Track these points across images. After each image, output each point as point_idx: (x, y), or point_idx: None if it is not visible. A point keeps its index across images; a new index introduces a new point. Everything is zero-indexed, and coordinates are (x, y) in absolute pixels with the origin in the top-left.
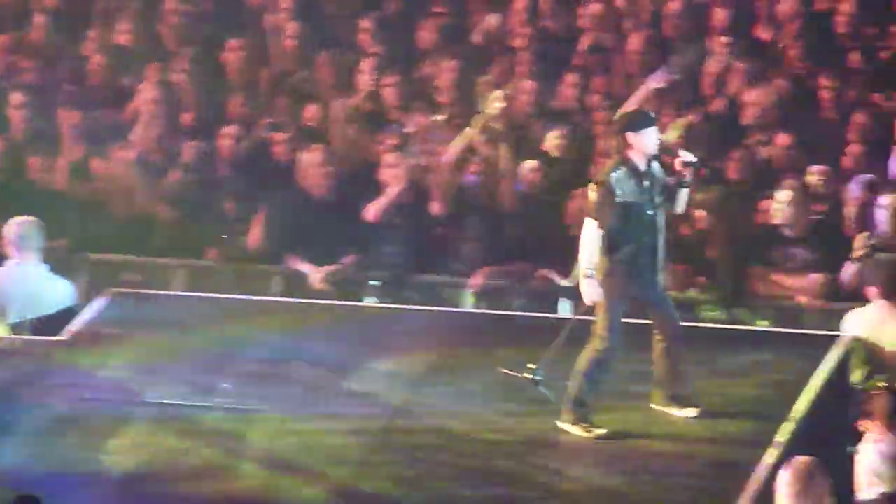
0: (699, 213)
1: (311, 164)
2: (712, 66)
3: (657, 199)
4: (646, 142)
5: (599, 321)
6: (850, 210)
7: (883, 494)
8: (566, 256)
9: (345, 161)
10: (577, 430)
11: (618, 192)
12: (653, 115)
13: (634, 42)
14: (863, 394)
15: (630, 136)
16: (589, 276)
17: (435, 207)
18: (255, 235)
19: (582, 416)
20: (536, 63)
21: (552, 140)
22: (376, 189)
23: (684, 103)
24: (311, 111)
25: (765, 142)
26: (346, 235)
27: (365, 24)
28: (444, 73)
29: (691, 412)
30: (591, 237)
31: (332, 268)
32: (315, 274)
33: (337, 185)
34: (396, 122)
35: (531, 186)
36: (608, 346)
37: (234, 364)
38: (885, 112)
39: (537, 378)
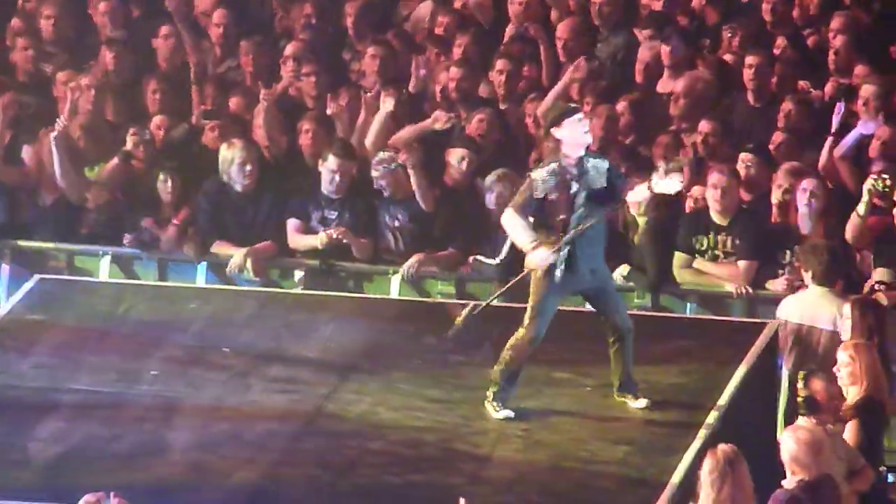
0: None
1: (231, 161)
2: (639, 53)
3: (580, 201)
4: (570, 134)
5: (529, 308)
6: (776, 197)
7: (803, 482)
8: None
9: (267, 150)
10: (488, 408)
11: (538, 189)
12: (573, 105)
13: (562, 30)
14: (793, 380)
15: (555, 131)
16: (533, 247)
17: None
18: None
19: (495, 395)
20: (465, 50)
21: (476, 126)
22: (300, 176)
23: (610, 91)
24: (235, 100)
25: (690, 129)
26: (270, 223)
27: (295, 11)
28: (369, 59)
29: (642, 403)
30: (512, 220)
31: (256, 248)
32: (238, 256)
33: (260, 175)
34: (316, 109)
35: (458, 172)
36: (531, 333)
37: (161, 350)
38: (813, 100)
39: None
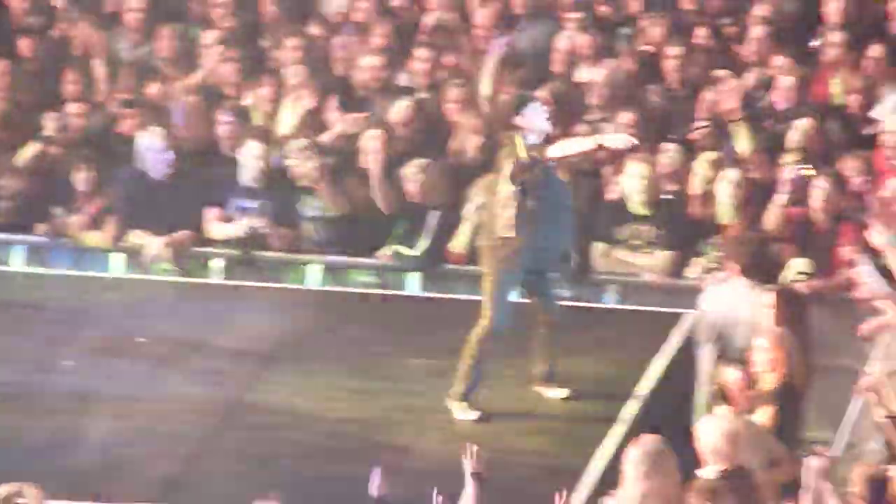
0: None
1: (149, 147)
2: (559, 41)
3: (533, 193)
4: (531, 120)
5: (485, 300)
6: (696, 188)
7: (722, 471)
8: (411, 230)
9: (186, 139)
10: (454, 408)
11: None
12: (530, 94)
13: (480, 18)
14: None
15: (518, 120)
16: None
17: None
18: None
19: (461, 394)
20: (386, 37)
21: (396, 113)
22: (218, 165)
23: (530, 80)
24: (152, 88)
25: (608, 119)
26: (186, 212)
27: None
28: (287, 48)
29: (562, 392)
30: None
31: (174, 237)
32: (154, 244)
33: (178, 162)
34: (235, 98)
35: (374, 158)
36: (490, 323)
37: (76, 341)
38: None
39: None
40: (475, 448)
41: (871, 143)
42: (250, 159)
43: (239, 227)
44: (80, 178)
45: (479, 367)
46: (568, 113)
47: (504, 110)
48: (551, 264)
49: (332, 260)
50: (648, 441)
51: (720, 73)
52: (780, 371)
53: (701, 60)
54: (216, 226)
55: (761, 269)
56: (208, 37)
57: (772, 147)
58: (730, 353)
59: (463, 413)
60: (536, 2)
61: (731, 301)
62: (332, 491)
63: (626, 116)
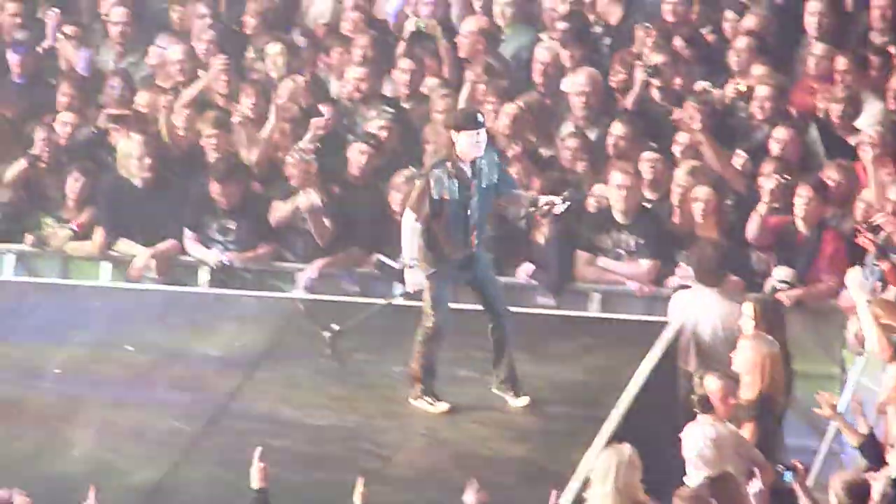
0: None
1: (129, 154)
2: (541, 53)
3: (475, 200)
4: (464, 144)
5: (425, 301)
6: (676, 197)
7: (708, 478)
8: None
9: (169, 146)
10: (422, 405)
11: (434, 189)
12: (480, 118)
13: (465, 28)
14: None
15: (453, 135)
16: (411, 266)
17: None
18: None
19: (424, 390)
20: (368, 49)
21: (378, 124)
22: (201, 172)
23: (512, 90)
24: (142, 95)
25: (590, 126)
26: (170, 220)
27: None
28: (271, 58)
29: (523, 401)
30: (410, 227)
31: (159, 248)
32: (142, 258)
33: (160, 169)
34: (224, 109)
35: (359, 170)
36: (435, 324)
37: (64, 349)
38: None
39: (332, 332)
40: (474, 482)
41: (852, 152)
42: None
43: (212, 257)
44: (74, 189)
45: (431, 366)
46: (544, 124)
47: (446, 120)
48: (486, 266)
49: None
50: (616, 450)
51: (701, 83)
52: (757, 377)
53: (682, 70)
54: (195, 247)
55: (716, 276)
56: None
57: (752, 156)
58: (704, 360)
59: (436, 406)
60: (519, 12)
61: (692, 309)
62: (315, 498)
63: (619, 129)
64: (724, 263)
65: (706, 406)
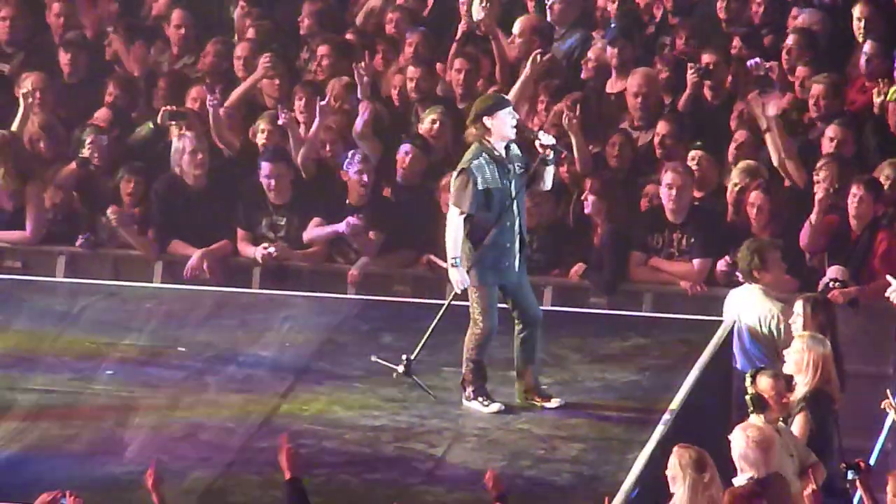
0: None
1: (183, 150)
2: (593, 52)
3: (518, 184)
4: (501, 124)
5: (473, 305)
6: (730, 195)
7: (752, 479)
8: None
9: (224, 145)
10: (475, 405)
11: (479, 179)
12: (506, 97)
13: (519, 27)
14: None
15: (486, 120)
16: (454, 265)
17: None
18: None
19: (475, 392)
20: (420, 48)
21: (428, 125)
22: (254, 173)
23: (563, 89)
24: (194, 95)
25: (644, 127)
26: (223, 220)
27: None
28: (320, 58)
29: (557, 402)
30: (454, 225)
31: (212, 248)
32: (195, 259)
33: (213, 169)
34: (274, 109)
35: (406, 171)
36: (483, 329)
37: (117, 350)
38: None
39: (403, 369)
40: (490, 474)
41: None
42: (265, 175)
43: (259, 252)
44: (126, 190)
45: (482, 368)
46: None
47: (477, 108)
48: (522, 268)
49: (370, 271)
50: (687, 451)
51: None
52: (809, 374)
53: (736, 69)
54: (245, 246)
55: (749, 272)
56: (240, 49)
57: (806, 155)
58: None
59: (489, 407)
60: (572, 12)
61: (739, 307)
62: (368, 499)
63: (664, 128)
64: (748, 257)
65: (761, 405)
